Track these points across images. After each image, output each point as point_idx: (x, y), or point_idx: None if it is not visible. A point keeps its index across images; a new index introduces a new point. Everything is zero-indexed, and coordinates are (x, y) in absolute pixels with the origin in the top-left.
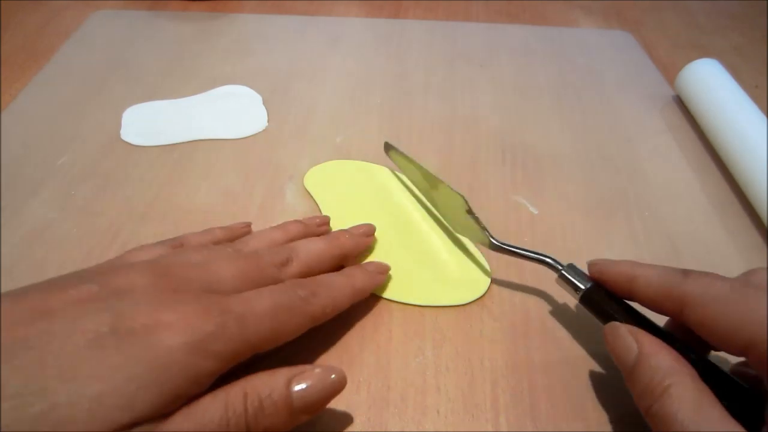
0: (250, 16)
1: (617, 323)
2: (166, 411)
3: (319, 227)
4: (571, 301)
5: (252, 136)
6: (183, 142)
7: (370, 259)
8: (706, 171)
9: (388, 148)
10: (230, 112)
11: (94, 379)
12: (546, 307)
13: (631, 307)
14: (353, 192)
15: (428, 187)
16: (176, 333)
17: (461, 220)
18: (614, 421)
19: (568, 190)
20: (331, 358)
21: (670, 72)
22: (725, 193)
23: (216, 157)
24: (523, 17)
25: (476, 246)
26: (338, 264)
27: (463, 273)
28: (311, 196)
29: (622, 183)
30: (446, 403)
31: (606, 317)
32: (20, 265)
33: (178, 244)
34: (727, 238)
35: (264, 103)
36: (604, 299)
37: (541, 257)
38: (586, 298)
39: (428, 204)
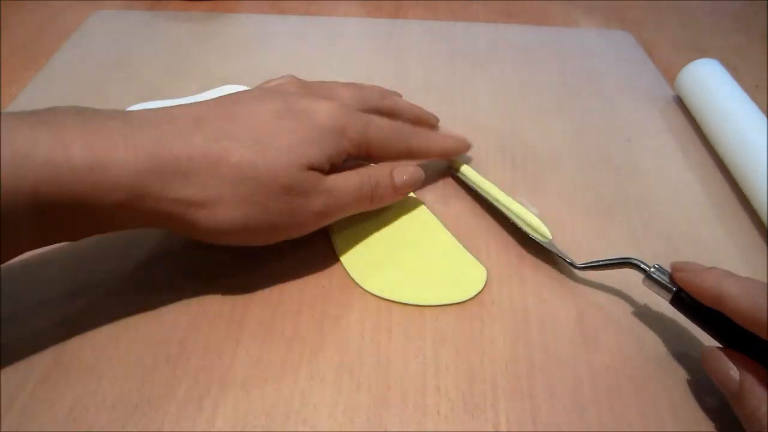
0: (249, 16)
1: (715, 349)
2: (324, 167)
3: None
4: (571, 301)
5: None
6: None
7: (367, 258)
8: (706, 171)
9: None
10: None
11: (285, 136)
12: (546, 307)
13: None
14: None
15: (504, 206)
16: (328, 116)
17: (537, 243)
18: (614, 421)
19: (568, 190)
20: (331, 358)
21: (670, 72)
22: (725, 193)
23: None
24: (523, 17)
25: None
26: (418, 123)
27: (459, 271)
28: None
29: (622, 183)
30: (446, 403)
31: (698, 320)
32: (20, 264)
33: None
34: (727, 238)
35: None
36: (696, 304)
37: (626, 261)
38: (677, 301)
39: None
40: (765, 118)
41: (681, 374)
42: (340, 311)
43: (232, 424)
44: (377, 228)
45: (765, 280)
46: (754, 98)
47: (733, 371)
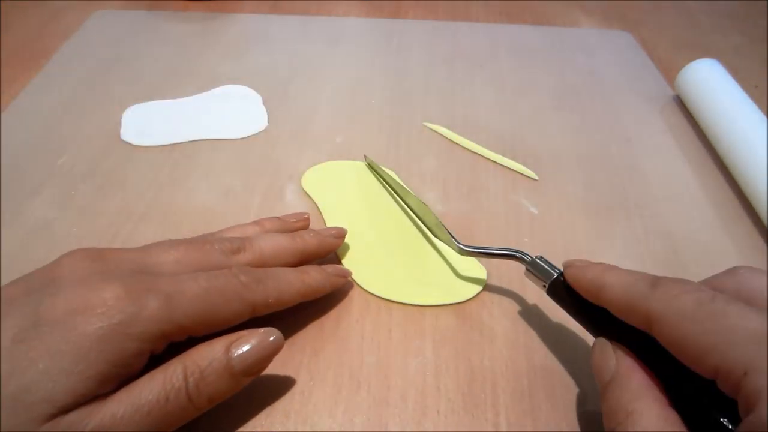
0: (250, 16)
1: (605, 340)
2: (98, 393)
3: (296, 224)
4: None
5: (252, 136)
6: (183, 142)
7: (367, 258)
8: (706, 171)
9: (367, 161)
10: (230, 112)
11: (14, 376)
12: (546, 307)
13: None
14: (352, 192)
15: (401, 198)
16: (94, 317)
17: (434, 229)
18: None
19: (568, 190)
20: (331, 358)
21: (670, 72)
22: (725, 193)
23: (216, 157)
24: (523, 17)
25: None
26: (299, 262)
27: (459, 271)
28: (310, 196)
29: (622, 183)
30: (446, 403)
31: (575, 313)
32: (20, 265)
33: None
34: (727, 238)
35: (264, 103)
36: (570, 294)
37: (508, 252)
38: (552, 290)
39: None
40: (765, 118)
41: None
42: (340, 311)
43: (231, 424)
44: (378, 227)
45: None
46: (754, 98)
47: (611, 360)
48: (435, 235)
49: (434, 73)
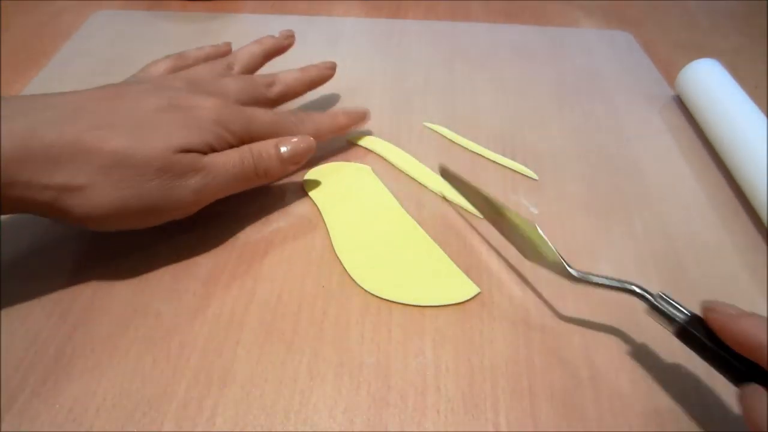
0: (250, 16)
1: (758, 387)
2: (202, 150)
3: (287, 39)
4: (570, 301)
5: None
6: None
7: (368, 259)
8: (706, 171)
9: (444, 172)
10: None
11: (164, 125)
12: (546, 307)
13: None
14: (352, 194)
15: (493, 213)
16: (210, 111)
17: (534, 249)
18: (614, 421)
19: (568, 190)
20: (331, 358)
21: (670, 72)
22: (725, 193)
23: None
24: (523, 17)
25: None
26: (310, 88)
27: (459, 272)
28: (310, 197)
29: (622, 183)
30: (446, 403)
31: (709, 356)
32: (20, 265)
33: (179, 57)
34: (727, 238)
35: None
36: (709, 338)
37: (627, 286)
38: (684, 334)
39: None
40: (765, 118)
41: (682, 373)
42: (340, 311)
43: (232, 424)
44: (378, 228)
45: (765, 281)
46: (754, 98)
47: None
48: (528, 257)
49: (434, 73)
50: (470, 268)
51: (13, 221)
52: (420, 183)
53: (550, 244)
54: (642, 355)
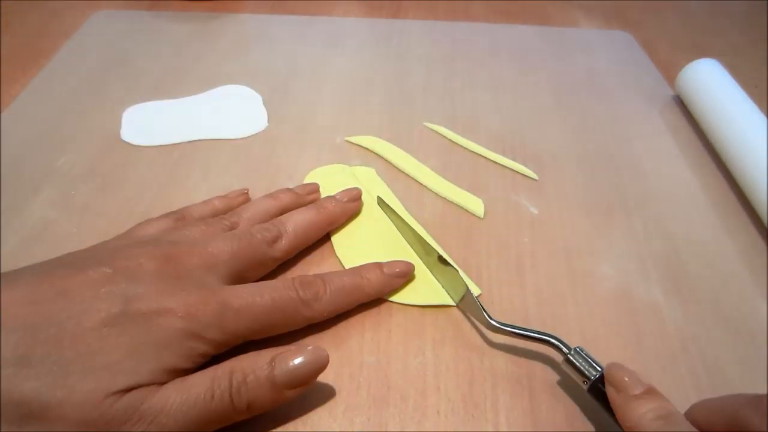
0: (250, 16)
1: None
2: (161, 380)
3: (309, 195)
4: (570, 300)
5: (252, 136)
6: (183, 142)
7: (368, 260)
8: (706, 171)
9: (380, 202)
10: (230, 112)
11: (104, 353)
12: (546, 307)
13: None
14: None
15: (422, 251)
16: (177, 319)
17: (456, 292)
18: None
19: (568, 190)
20: (331, 358)
21: (670, 72)
22: (725, 193)
23: (216, 157)
24: (523, 17)
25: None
26: (326, 231)
27: (459, 274)
28: None
29: (622, 183)
30: (446, 403)
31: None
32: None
33: (180, 216)
34: (727, 238)
35: (264, 103)
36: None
37: (545, 338)
38: (594, 390)
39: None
40: (765, 118)
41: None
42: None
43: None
44: (378, 231)
45: (765, 281)
46: (754, 98)
47: None
48: (453, 299)
49: (434, 73)
50: (470, 268)
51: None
52: (420, 183)
53: (473, 292)
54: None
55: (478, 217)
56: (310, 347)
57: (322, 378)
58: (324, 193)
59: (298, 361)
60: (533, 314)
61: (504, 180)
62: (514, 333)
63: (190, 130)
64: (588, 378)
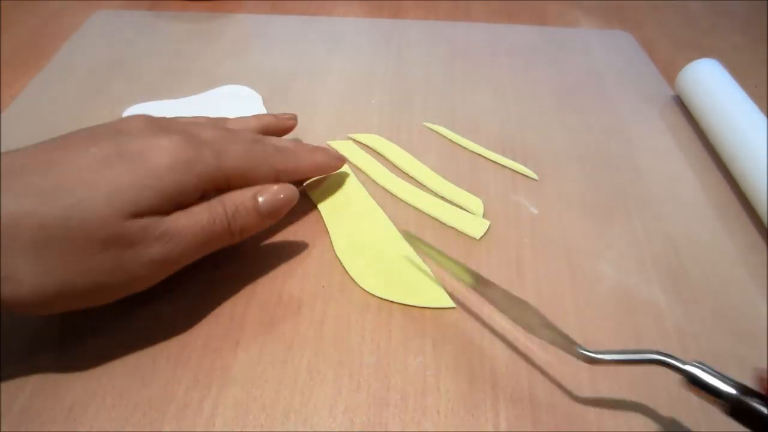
0: (250, 16)
1: None
2: (160, 210)
3: (288, 121)
4: (570, 299)
5: None
6: None
7: (367, 259)
8: (706, 171)
9: (408, 236)
10: (230, 112)
11: (107, 183)
12: (546, 307)
13: None
14: (353, 195)
15: (480, 286)
16: (165, 155)
17: (537, 327)
18: (614, 421)
19: (568, 190)
20: (331, 358)
21: (670, 72)
22: (725, 193)
23: None
24: (523, 17)
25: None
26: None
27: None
28: (310, 197)
29: (622, 183)
30: (446, 403)
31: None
32: None
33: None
34: (727, 238)
35: (264, 103)
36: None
37: (653, 358)
38: (738, 411)
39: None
40: (765, 118)
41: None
42: (340, 311)
43: (232, 424)
44: (377, 228)
45: (765, 281)
46: (754, 98)
47: None
48: (534, 333)
49: (434, 73)
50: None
51: None
52: (420, 183)
53: (555, 326)
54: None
55: (474, 239)
56: (283, 185)
57: (322, 378)
58: (326, 192)
59: (273, 191)
60: None
61: (504, 180)
62: (616, 361)
63: None
64: (723, 398)
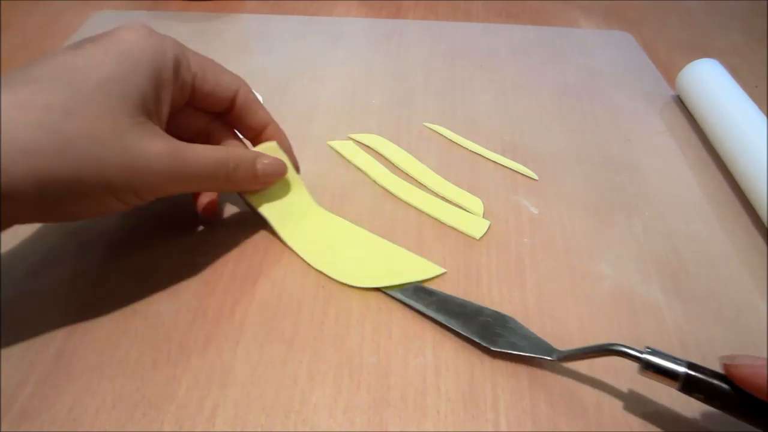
0: (250, 16)
1: None
2: (150, 109)
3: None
4: (570, 300)
5: None
6: None
7: (341, 254)
8: (706, 171)
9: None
10: None
11: (96, 67)
12: (546, 307)
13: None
14: (302, 206)
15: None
16: (138, 37)
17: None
18: (614, 421)
19: (568, 190)
20: (331, 358)
21: (670, 72)
22: (725, 193)
23: None
24: (523, 17)
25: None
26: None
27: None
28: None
29: (622, 183)
30: (446, 403)
31: (732, 410)
32: (20, 265)
33: None
34: (727, 238)
35: (264, 103)
36: (715, 381)
37: (609, 349)
38: (689, 385)
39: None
40: (765, 118)
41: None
42: (340, 311)
43: (232, 424)
44: (334, 227)
45: (765, 281)
46: (754, 98)
47: None
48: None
49: (434, 73)
50: (470, 268)
51: None
52: (420, 183)
53: (530, 331)
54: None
55: (474, 238)
56: (274, 158)
57: (322, 378)
58: (274, 206)
59: (270, 161)
60: (533, 314)
61: (504, 180)
62: (580, 355)
63: None
64: (674, 377)
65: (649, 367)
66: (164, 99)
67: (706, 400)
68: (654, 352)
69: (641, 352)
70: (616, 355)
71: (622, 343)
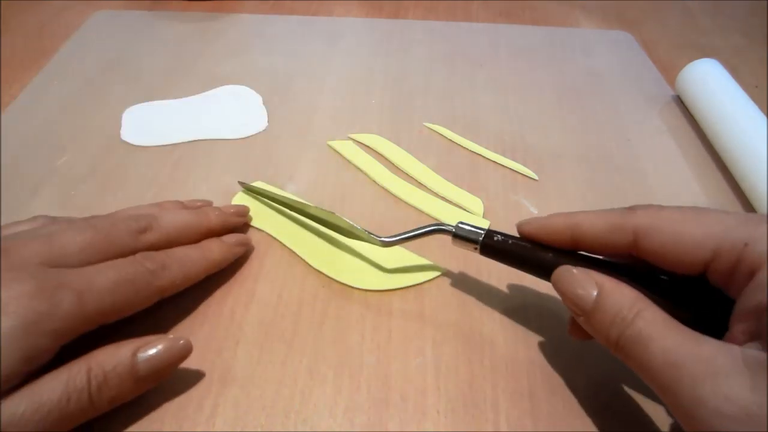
0: (250, 16)
1: (569, 266)
2: (3, 389)
3: (232, 218)
4: None
5: (252, 136)
6: (183, 142)
7: (345, 258)
8: (706, 171)
9: (244, 188)
10: (230, 112)
11: None
12: (545, 307)
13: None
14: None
15: (300, 213)
16: (7, 315)
17: (349, 231)
18: (614, 421)
19: (568, 190)
20: (331, 358)
21: (670, 72)
22: (725, 193)
23: (216, 157)
24: (523, 17)
25: None
26: (202, 239)
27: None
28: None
29: (622, 183)
30: (446, 403)
31: (514, 259)
32: None
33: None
34: None
35: (264, 103)
36: (508, 240)
37: (430, 229)
38: (487, 249)
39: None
40: (765, 118)
41: None
42: (340, 311)
43: (232, 424)
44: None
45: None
46: (754, 98)
47: (590, 282)
48: (353, 238)
49: (434, 73)
50: (471, 268)
51: None
52: (420, 183)
53: (354, 224)
54: None
55: (478, 216)
56: (170, 336)
57: (322, 378)
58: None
59: (161, 349)
60: (533, 313)
61: (504, 180)
62: (404, 239)
63: (190, 130)
64: (476, 242)
65: (456, 237)
66: (34, 369)
67: (501, 258)
68: (462, 224)
69: (453, 226)
70: (438, 232)
71: (440, 222)
